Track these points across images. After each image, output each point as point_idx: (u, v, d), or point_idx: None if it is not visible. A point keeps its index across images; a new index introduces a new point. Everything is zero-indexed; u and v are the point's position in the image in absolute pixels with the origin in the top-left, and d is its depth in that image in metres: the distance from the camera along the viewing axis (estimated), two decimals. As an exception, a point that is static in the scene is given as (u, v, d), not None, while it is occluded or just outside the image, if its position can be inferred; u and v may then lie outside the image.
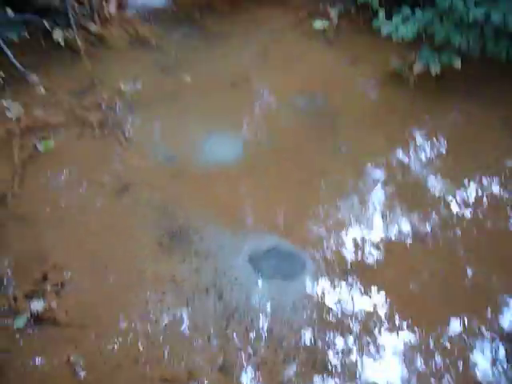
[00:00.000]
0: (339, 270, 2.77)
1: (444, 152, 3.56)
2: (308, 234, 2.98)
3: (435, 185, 3.28)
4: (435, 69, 3.78)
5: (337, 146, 3.50)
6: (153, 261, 2.76)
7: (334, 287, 2.70)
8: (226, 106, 3.68)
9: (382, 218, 3.08)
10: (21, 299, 2.58)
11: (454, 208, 3.12)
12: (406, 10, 3.82)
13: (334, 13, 4.44)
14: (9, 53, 3.79)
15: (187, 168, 3.24)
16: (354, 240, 2.94)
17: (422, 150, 3.61)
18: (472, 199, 3.17)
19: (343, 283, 2.71)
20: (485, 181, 3.28)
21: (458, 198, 3.18)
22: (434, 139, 3.66)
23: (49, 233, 2.89)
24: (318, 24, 4.34)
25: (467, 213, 3.09)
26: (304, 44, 4.26)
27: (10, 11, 3.98)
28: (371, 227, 3.02)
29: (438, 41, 3.76)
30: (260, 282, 2.70)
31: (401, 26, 3.71)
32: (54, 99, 3.59)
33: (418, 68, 3.84)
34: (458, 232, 2.98)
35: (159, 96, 3.69)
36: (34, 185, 3.10)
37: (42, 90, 3.66)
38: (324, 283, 2.71)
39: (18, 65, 3.76)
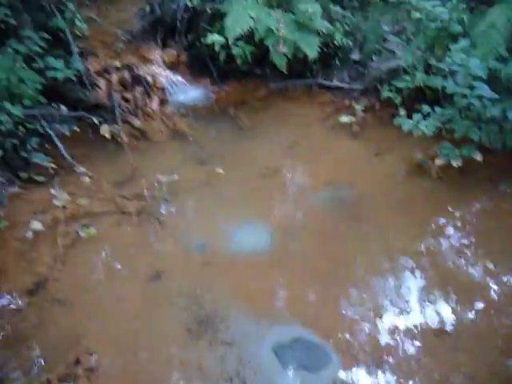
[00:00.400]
0: (368, 361, 2.77)
1: (472, 240, 3.62)
2: (335, 324, 3.03)
3: (467, 272, 3.33)
4: (456, 162, 3.94)
5: (364, 235, 3.62)
6: (181, 347, 2.85)
7: (363, 381, 2.70)
8: (256, 197, 3.90)
9: (413, 305, 3.12)
10: (54, 382, 2.69)
11: (488, 296, 3.13)
12: (426, 108, 4.06)
13: (358, 108, 4.73)
14: (60, 145, 4.19)
15: (217, 256, 3.41)
16: (385, 330, 2.96)
17: (450, 238, 3.68)
18: (506, 287, 3.17)
19: (373, 377, 2.71)
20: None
21: (491, 285, 3.20)
22: (461, 227, 3.73)
23: (84, 317, 3.04)
24: (344, 118, 4.62)
25: (500, 302, 3.09)
26: (331, 137, 4.52)
27: (64, 108, 4.45)
28: (401, 316, 3.05)
29: (457, 136, 3.95)
30: (284, 373, 2.74)
31: (421, 123, 3.94)
32: (98, 189, 3.89)
33: (440, 161, 4.01)
34: (495, 321, 2.98)
35: (193, 186, 3.96)
36: (73, 270, 3.31)
37: (88, 180, 3.98)
38: (351, 376, 2.72)
39: (67, 157, 4.13)
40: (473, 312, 3.08)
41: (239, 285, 3.23)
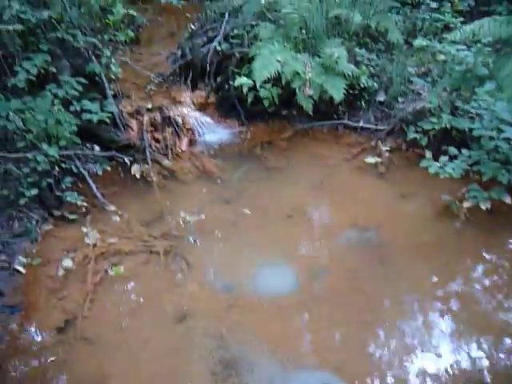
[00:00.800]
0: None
1: (503, 283, 3.56)
2: (363, 369, 2.99)
3: (499, 315, 3.28)
4: (485, 205, 3.90)
5: (391, 277, 3.59)
6: (206, 390, 2.85)
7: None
8: (282, 238, 3.93)
9: (443, 350, 3.08)
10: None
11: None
12: (453, 150, 4.06)
13: (384, 149, 4.76)
14: (92, 185, 4.33)
15: (243, 298, 3.42)
16: (414, 375, 2.91)
17: (481, 281, 3.63)
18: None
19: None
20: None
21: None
22: (492, 270, 3.68)
23: (110, 355, 3.07)
24: (370, 159, 4.65)
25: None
26: (357, 178, 4.54)
27: (97, 148, 4.62)
28: (432, 361, 3.00)
29: (485, 178, 3.93)
30: (310, 420, 2.70)
31: (448, 166, 3.93)
32: (127, 227, 3.98)
33: (468, 203, 3.97)
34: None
35: (220, 227, 4.01)
36: (102, 308, 3.37)
37: (118, 218, 4.09)
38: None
39: (99, 195, 4.26)
40: (506, 357, 2.99)
41: (265, 327, 3.22)
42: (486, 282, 3.62)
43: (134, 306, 3.42)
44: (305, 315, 3.37)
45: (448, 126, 4.34)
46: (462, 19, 5.15)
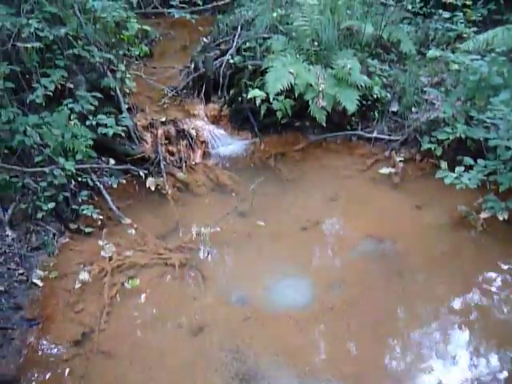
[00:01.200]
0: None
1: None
2: (378, 382, 2.95)
3: None
4: (502, 215, 3.85)
5: (407, 289, 3.56)
6: (222, 404, 2.84)
7: None
8: (297, 249, 3.92)
9: (461, 362, 3.05)
10: None
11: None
12: (469, 160, 4.03)
13: (399, 159, 4.74)
14: (108, 198, 4.37)
15: (258, 310, 3.41)
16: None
17: (499, 292, 3.58)
18: None
19: None
20: None
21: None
22: (510, 281, 3.63)
23: (127, 369, 3.08)
24: (384, 170, 4.63)
25: None
26: (371, 189, 4.52)
27: (112, 161, 4.66)
28: (449, 374, 2.98)
29: (502, 188, 3.89)
30: None
31: (464, 176, 3.90)
32: (143, 240, 4.01)
33: (485, 214, 3.94)
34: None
35: (235, 239, 4.02)
36: (118, 321, 3.38)
37: (133, 231, 4.12)
38: None
39: (114, 209, 4.30)
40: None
41: (280, 340, 3.20)
42: (505, 293, 3.57)
43: (149, 319, 3.43)
44: (321, 328, 3.35)
45: (463, 135, 4.31)
46: (474, 29, 5.14)
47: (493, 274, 3.72)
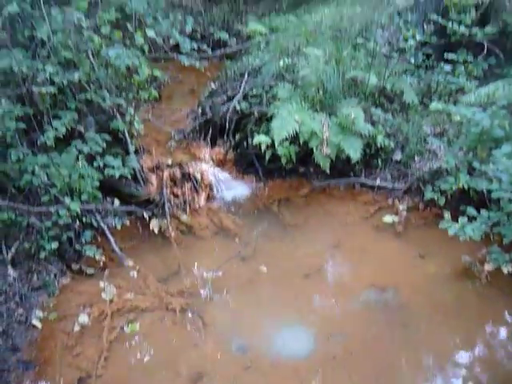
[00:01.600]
0: None
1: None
2: None
3: None
4: (507, 268, 3.84)
5: (410, 341, 3.51)
6: None
7: None
8: (299, 297, 3.89)
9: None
10: None
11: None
12: (472, 211, 4.05)
13: (402, 208, 4.76)
14: (111, 239, 4.37)
15: (258, 359, 3.35)
16: None
17: (504, 346, 3.54)
18: None
19: None
20: None
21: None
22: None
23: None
24: (387, 218, 4.64)
25: None
26: (374, 237, 4.52)
27: (117, 202, 4.70)
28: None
29: (506, 241, 3.89)
30: None
31: (467, 228, 3.91)
32: (144, 283, 3.99)
33: (489, 266, 3.92)
34: None
35: (237, 284, 4.00)
36: (116, 366, 3.33)
37: (135, 274, 4.10)
38: None
39: (117, 250, 4.30)
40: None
41: (281, 392, 3.14)
42: (509, 347, 3.51)
43: (148, 365, 3.37)
44: (322, 379, 3.28)
45: (465, 186, 4.34)
46: (476, 82, 5.27)
47: (497, 327, 3.68)
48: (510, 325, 3.68)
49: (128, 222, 4.64)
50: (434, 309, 3.79)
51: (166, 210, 4.71)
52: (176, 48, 6.22)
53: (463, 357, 3.46)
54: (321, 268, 4.19)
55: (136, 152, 5.06)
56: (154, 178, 5.01)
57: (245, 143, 5.43)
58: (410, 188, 4.90)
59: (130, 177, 4.68)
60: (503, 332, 3.66)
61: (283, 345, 3.52)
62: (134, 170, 4.70)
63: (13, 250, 4.01)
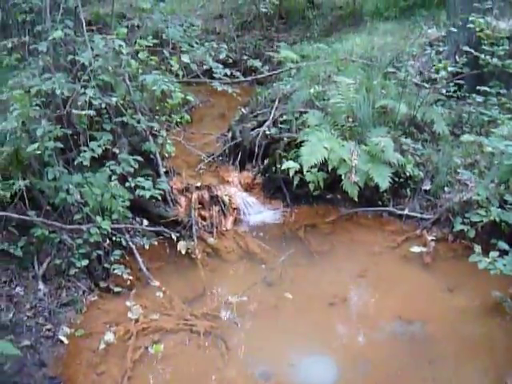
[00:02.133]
0: None
1: None
2: None
3: None
4: (539, 305, 3.73)
5: (437, 377, 3.42)
6: None
7: None
8: (323, 326, 3.85)
9: None
10: None
11: None
12: (503, 245, 3.97)
13: (430, 238, 4.70)
14: (139, 258, 4.44)
15: (282, 388, 3.33)
16: None
17: None
18: None
19: None
20: None
21: None
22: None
23: None
24: (415, 248, 4.59)
25: None
26: (401, 267, 4.47)
27: (145, 222, 4.78)
28: None
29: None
30: None
31: (498, 262, 3.82)
32: (169, 304, 4.02)
33: (519, 301, 3.82)
34: None
35: (262, 310, 3.99)
36: (140, 385, 3.35)
37: (161, 294, 4.14)
38: None
39: (144, 270, 4.36)
40: None
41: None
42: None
43: (170, 386, 3.38)
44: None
45: (497, 219, 4.27)
46: (509, 115, 5.21)
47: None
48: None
49: (156, 243, 4.69)
50: (462, 345, 3.69)
51: (194, 231, 4.77)
52: (208, 72, 6.40)
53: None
54: (346, 297, 4.15)
55: (166, 173, 5.17)
56: (182, 200, 5.10)
57: (273, 168, 5.49)
58: (439, 219, 4.84)
59: (159, 198, 4.76)
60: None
61: (307, 373, 3.48)
62: (163, 191, 4.79)
63: (44, 265, 4.11)
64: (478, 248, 4.09)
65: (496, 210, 4.32)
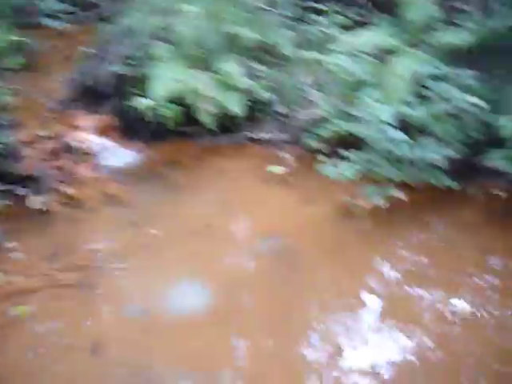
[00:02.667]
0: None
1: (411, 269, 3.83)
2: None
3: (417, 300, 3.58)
4: (382, 202, 4.17)
5: (302, 283, 3.74)
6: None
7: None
8: (193, 254, 3.94)
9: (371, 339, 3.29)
10: None
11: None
12: (347, 154, 4.31)
13: (287, 157, 4.95)
14: (-10, 221, 4.09)
15: (158, 321, 3.40)
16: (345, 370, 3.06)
17: (389, 271, 3.89)
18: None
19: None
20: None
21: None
22: (395, 262, 3.94)
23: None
24: (274, 169, 4.81)
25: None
26: (262, 188, 4.67)
27: (-9, 181, 4.37)
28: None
29: (380, 178, 4.22)
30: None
31: (345, 170, 4.17)
32: (31, 264, 3.81)
33: (366, 203, 4.24)
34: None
35: (131, 251, 3.95)
36: (9, 351, 3.20)
37: (20, 255, 3.90)
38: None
39: (-3, 232, 4.04)
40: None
41: (182, 348, 3.22)
42: (392, 273, 3.86)
43: (44, 344, 3.27)
44: (224, 330, 3.40)
45: (341, 131, 4.59)
46: (345, 32, 5.48)
47: (381, 255, 3.98)
48: (391, 249, 4.03)
49: (7, 202, 4.34)
50: (324, 248, 4.02)
51: (47, 184, 4.48)
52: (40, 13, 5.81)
53: (356, 286, 3.74)
54: (213, 224, 4.26)
55: (9, 127, 4.71)
56: (31, 153, 4.72)
57: (127, 108, 5.25)
58: (293, 138, 5.09)
59: (4, 153, 4.36)
60: (386, 256, 3.97)
61: (183, 302, 3.59)
62: (6, 145, 4.39)
63: None
64: (327, 159, 4.40)
65: (340, 122, 4.63)
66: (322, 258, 3.99)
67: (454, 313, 3.48)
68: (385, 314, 3.53)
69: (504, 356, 3.15)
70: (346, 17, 5.72)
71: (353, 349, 3.27)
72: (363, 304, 3.60)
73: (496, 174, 4.22)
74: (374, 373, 3.08)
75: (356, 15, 5.74)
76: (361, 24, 5.55)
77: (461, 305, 3.54)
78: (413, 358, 3.17)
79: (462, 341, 3.29)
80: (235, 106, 4.87)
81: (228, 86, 4.98)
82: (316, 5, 5.85)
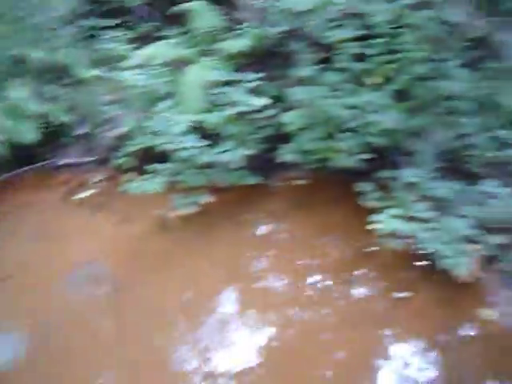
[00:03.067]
0: None
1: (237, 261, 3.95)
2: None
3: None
4: (194, 209, 4.26)
5: (129, 304, 3.68)
6: None
7: None
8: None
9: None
10: None
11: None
12: (154, 167, 4.32)
13: (97, 179, 4.80)
14: None
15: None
16: None
17: (211, 270, 3.98)
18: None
19: None
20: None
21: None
22: (218, 257, 4.06)
23: None
24: (85, 193, 4.63)
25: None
26: (75, 216, 4.48)
27: None
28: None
29: (187, 185, 4.32)
30: None
31: (152, 182, 4.17)
32: None
33: (177, 212, 4.30)
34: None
35: None
36: None
37: None
38: None
39: None
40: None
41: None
42: (215, 271, 3.97)
43: None
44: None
45: (146, 146, 4.57)
46: (137, 46, 5.45)
47: (201, 262, 4.08)
48: (206, 252, 4.14)
49: None
50: (143, 266, 4.00)
51: None
52: None
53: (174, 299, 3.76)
54: (27, 263, 3.98)
55: None
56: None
57: None
58: (100, 158, 4.94)
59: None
60: (204, 259, 4.08)
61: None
62: None
63: None
64: (135, 175, 4.36)
65: (145, 137, 4.61)
66: (144, 274, 3.95)
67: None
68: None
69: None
70: (138, 31, 5.71)
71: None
72: (201, 309, 3.67)
73: (293, 165, 4.60)
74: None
75: (149, 28, 5.76)
76: (155, 38, 5.59)
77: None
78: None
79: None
80: (27, 134, 4.56)
81: (18, 113, 4.64)
82: (108, 21, 5.74)
